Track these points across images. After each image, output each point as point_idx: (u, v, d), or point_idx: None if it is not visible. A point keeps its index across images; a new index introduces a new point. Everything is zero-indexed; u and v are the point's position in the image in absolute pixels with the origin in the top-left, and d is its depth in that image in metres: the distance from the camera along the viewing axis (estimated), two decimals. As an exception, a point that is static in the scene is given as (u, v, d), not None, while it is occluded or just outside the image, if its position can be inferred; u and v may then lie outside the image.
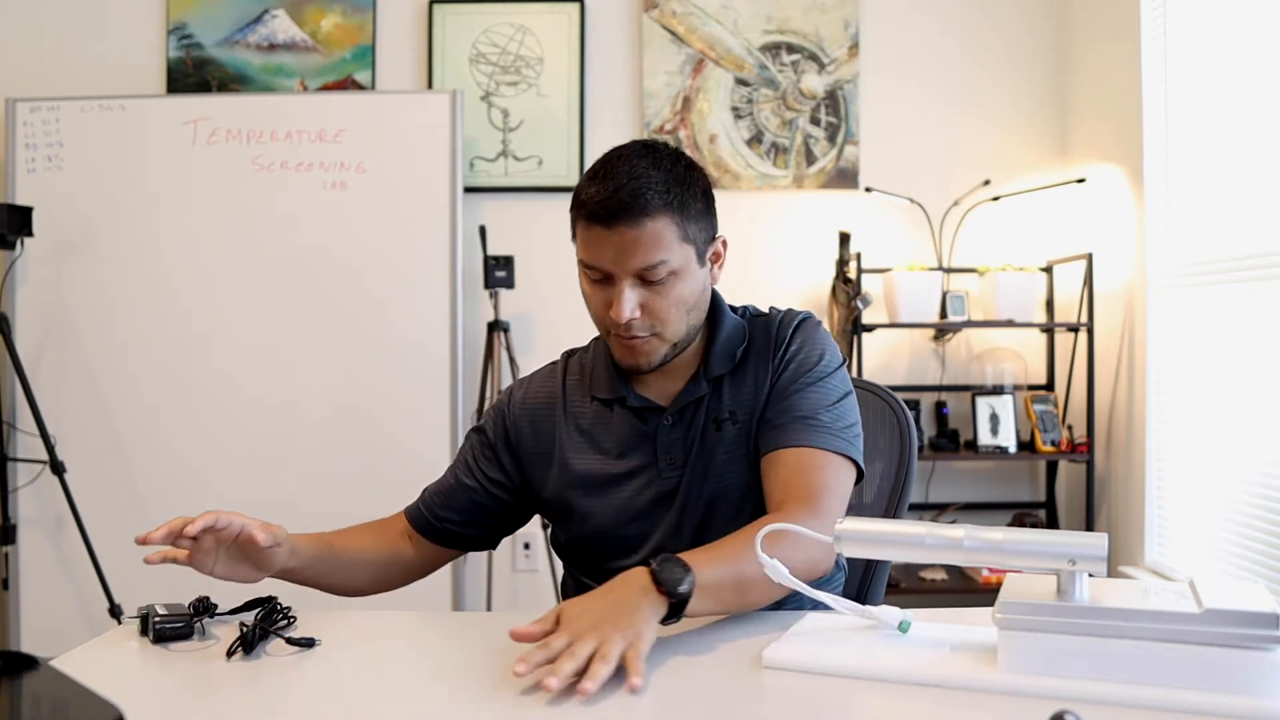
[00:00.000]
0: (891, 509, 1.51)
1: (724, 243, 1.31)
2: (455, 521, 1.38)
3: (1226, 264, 2.48)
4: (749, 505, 1.28)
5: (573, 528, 1.35)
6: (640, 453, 1.31)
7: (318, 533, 1.29)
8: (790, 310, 1.36)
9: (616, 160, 1.22)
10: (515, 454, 1.38)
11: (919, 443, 3.12)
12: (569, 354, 1.44)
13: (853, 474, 1.26)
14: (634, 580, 1.03)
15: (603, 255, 1.20)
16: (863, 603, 1.10)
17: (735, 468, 1.29)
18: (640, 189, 1.18)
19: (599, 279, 1.23)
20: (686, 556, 1.06)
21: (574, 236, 1.26)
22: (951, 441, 3.15)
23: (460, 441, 3.18)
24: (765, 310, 1.38)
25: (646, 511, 1.30)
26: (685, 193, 1.22)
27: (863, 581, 1.51)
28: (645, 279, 1.21)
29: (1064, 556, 0.92)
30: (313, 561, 1.24)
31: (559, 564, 1.60)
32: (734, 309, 1.37)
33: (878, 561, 1.51)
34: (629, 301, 1.20)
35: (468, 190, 3.24)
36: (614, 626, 0.96)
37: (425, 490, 1.42)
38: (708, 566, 1.06)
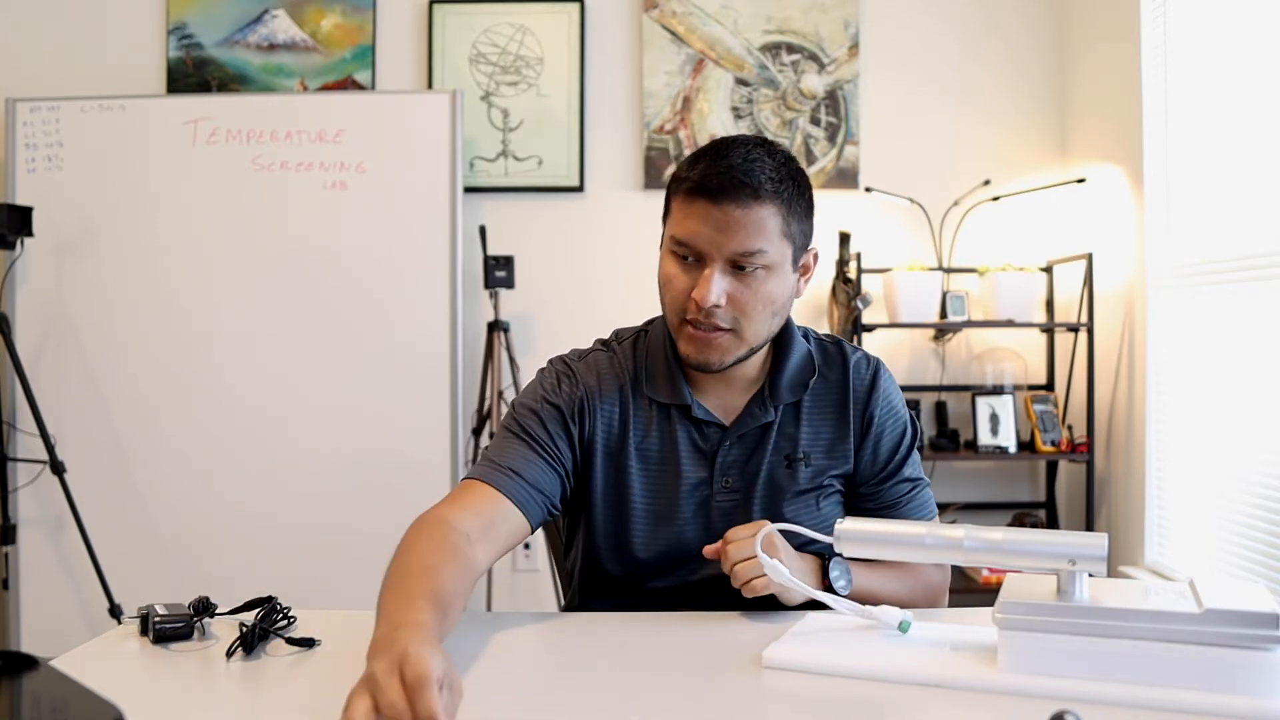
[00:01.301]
0: None
1: (815, 256, 1.27)
2: (557, 504, 1.26)
3: (1226, 264, 2.48)
4: (819, 546, 1.23)
5: (612, 524, 1.29)
6: (696, 468, 1.27)
7: (434, 607, 0.97)
8: (861, 353, 1.34)
9: (731, 144, 1.19)
10: (587, 446, 1.28)
11: (920, 443, 3.13)
12: (618, 340, 1.35)
13: None
14: (812, 562, 1.20)
15: (701, 232, 1.16)
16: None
17: (808, 510, 1.28)
18: (754, 171, 1.16)
19: (689, 259, 1.19)
20: (857, 570, 1.22)
21: (665, 215, 1.23)
22: (951, 441, 3.15)
23: (460, 440, 3.21)
24: (824, 335, 1.36)
25: (699, 535, 1.26)
26: (795, 189, 1.20)
27: None
28: (738, 266, 1.17)
29: (1064, 556, 0.92)
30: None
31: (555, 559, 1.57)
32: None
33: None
34: (717, 285, 1.16)
35: (468, 190, 3.24)
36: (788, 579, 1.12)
37: (515, 473, 1.21)
38: (865, 581, 1.22)
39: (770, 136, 3.29)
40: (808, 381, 1.29)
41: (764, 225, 1.16)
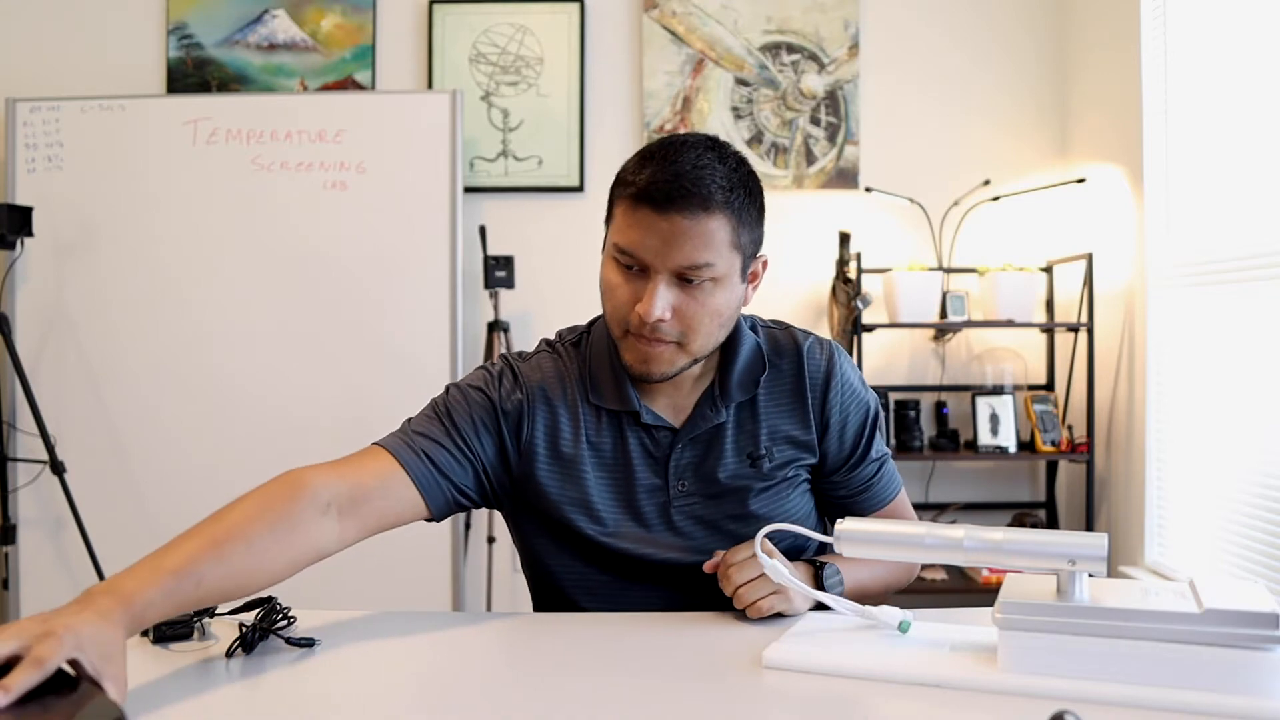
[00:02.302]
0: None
1: (765, 263, 1.22)
2: (469, 496, 1.23)
3: (1226, 264, 2.48)
4: (790, 541, 1.22)
5: (559, 536, 1.26)
6: (650, 474, 1.24)
7: (175, 580, 0.94)
8: (813, 338, 1.29)
9: (680, 146, 1.12)
10: (526, 448, 1.24)
11: (920, 443, 3.14)
12: (562, 341, 1.31)
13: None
14: (804, 570, 1.19)
15: (645, 242, 1.10)
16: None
17: (777, 503, 1.25)
18: (704, 179, 1.09)
19: (632, 269, 1.13)
20: (844, 567, 1.22)
21: (608, 219, 1.18)
22: (951, 441, 3.15)
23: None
24: (771, 323, 1.32)
25: (656, 538, 1.24)
26: (746, 197, 1.14)
27: None
28: (685, 278, 1.12)
29: (1064, 556, 0.92)
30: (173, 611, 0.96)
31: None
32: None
33: None
34: (662, 299, 1.11)
35: (468, 190, 3.24)
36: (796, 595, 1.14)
37: (425, 454, 1.19)
38: (854, 578, 1.24)
39: (770, 136, 3.30)
40: (758, 378, 1.25)
41: (713, 237, 1.10)
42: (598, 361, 1.25)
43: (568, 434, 1.24)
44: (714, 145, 1.15)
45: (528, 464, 1.24)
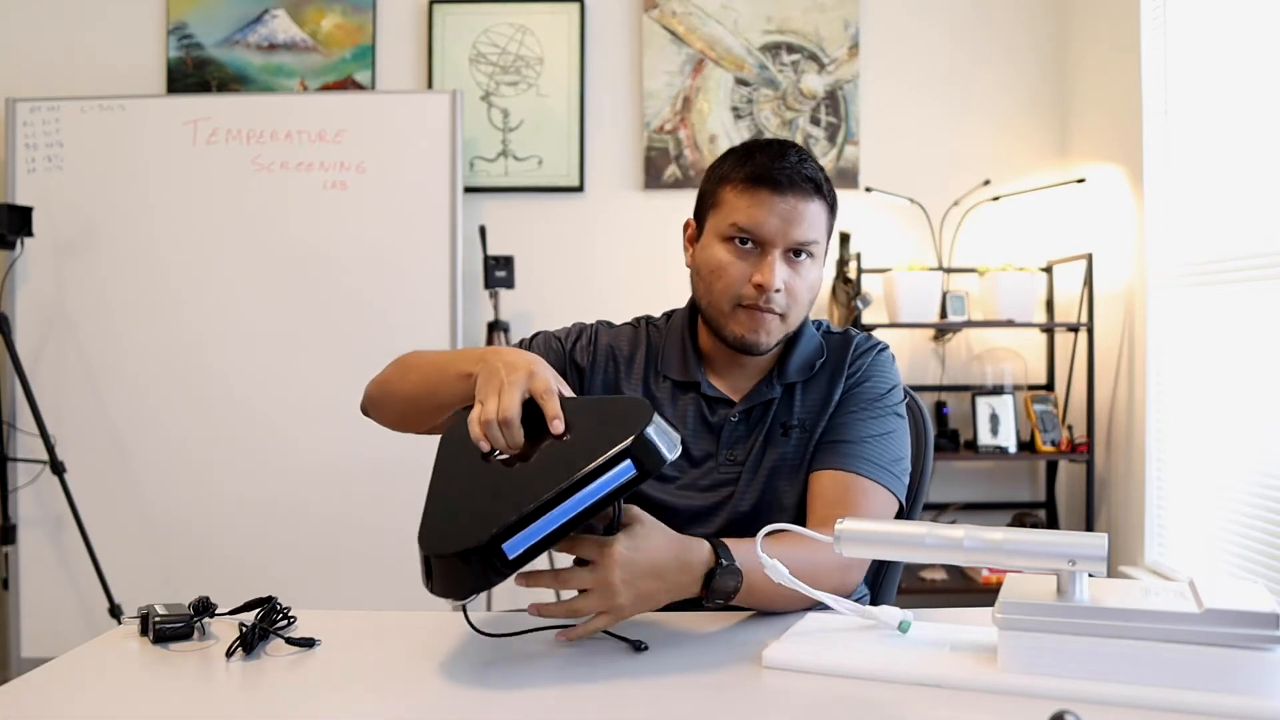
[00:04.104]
0: (907, 506, 1.47)
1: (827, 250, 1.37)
2: None
3: (1226, 264, 2.48)
4: (800, 515, 1.28)
5: None
6: (703, 442, 1.33)
7: None
8: (870, 336, 1.39)
9: (779, 145, 1.28)
10: (582, 390, 1.37)
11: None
12: (651, 321, 1.44)
13: (893, 506, 1.27)
14: (692, 567, 1.04)
15: (766, 220, 1.24)
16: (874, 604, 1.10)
17: (793, 476, 1.30)
18: (810, 170, 1.26)
19: (746, 245, 1.26)
20: (745, 560, 1.05)
21: (710, 207, 1.30)
22: (951, 441, 3.14)
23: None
24: (839, 329, 1.41)
25: (699, 502, 1.31)
26: (832, 190, 1.31)
27: (874, 584, 1.50)
28: (794, 254, 1.26)
29: (1064, 556, 0.92)
30: None
31: (561, 558, 1.57)
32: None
33: (888, 563, 1.51)
34: (779, 270, 1.25)
35: (468, 190, 3.24)
36: (632, 607, 1.02)
37: None
38: (754, 582, 1.07)
39: (770, 137, 3.30)
40: (815, 363, 1.34)
41: (818, 218, 1.27)
42: (671, 338, 1.39)
43: (625, 387, 1.37)
44: (801, 148, 1.31)
45: None
